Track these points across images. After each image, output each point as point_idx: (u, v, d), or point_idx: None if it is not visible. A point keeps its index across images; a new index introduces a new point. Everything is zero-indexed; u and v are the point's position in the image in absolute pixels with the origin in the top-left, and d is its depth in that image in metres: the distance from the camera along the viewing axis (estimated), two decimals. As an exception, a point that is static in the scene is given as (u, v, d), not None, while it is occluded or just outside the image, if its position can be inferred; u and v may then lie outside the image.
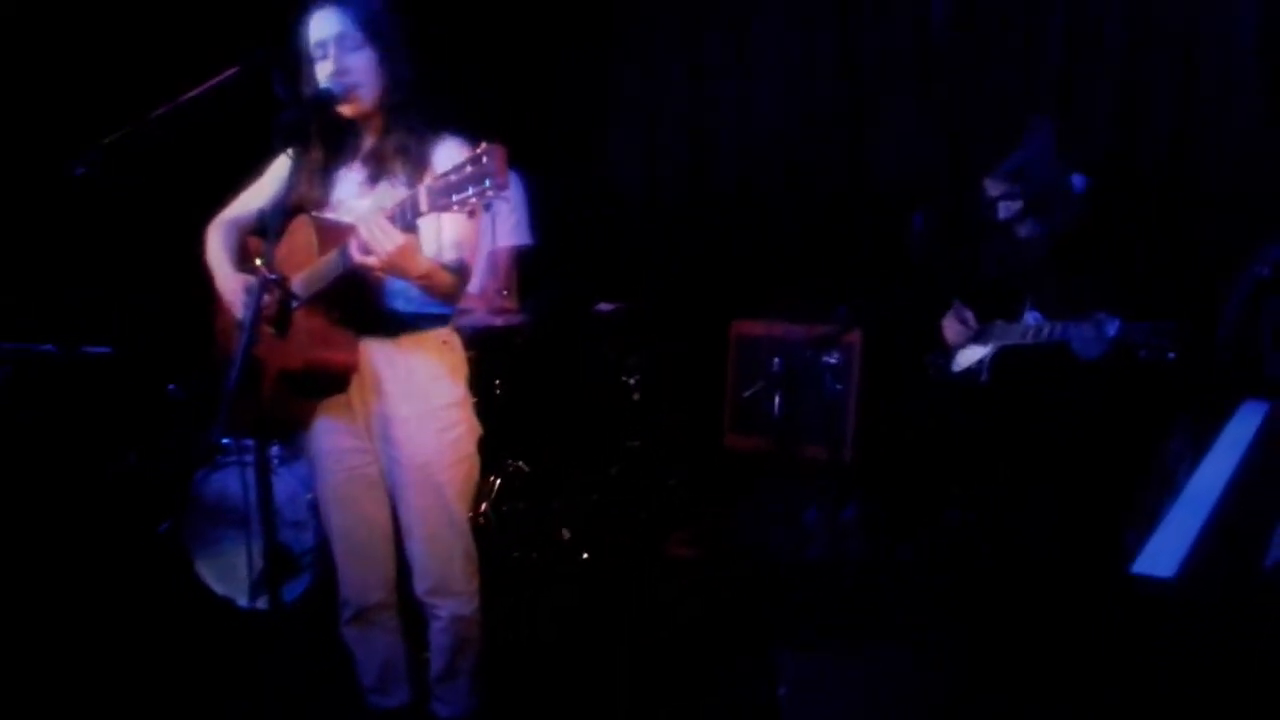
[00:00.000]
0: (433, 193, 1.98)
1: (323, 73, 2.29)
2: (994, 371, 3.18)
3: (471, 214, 1.99)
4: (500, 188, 1.91)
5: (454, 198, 1.94)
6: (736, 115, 4.64)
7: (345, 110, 2.31)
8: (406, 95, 2.33)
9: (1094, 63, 3.81)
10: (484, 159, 1.90)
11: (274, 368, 2.29)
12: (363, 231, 2.08)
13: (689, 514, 4.29)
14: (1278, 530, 1.73)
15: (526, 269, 3.96)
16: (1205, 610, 1.53)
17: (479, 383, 2.62)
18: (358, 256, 2.11)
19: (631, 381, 4.27)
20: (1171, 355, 2.69)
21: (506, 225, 3.79)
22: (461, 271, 2.32)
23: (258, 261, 2.04)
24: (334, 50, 2.27)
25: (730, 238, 4.64)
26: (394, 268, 2.15)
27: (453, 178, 1.95)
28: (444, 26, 2.53)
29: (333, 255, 2.18)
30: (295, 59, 2.34)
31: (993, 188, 3.14)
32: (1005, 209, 3.12)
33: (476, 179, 1.91)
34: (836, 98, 4.39)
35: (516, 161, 3.85)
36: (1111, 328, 2.78)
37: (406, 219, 2.06)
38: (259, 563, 2.32)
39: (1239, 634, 1.50)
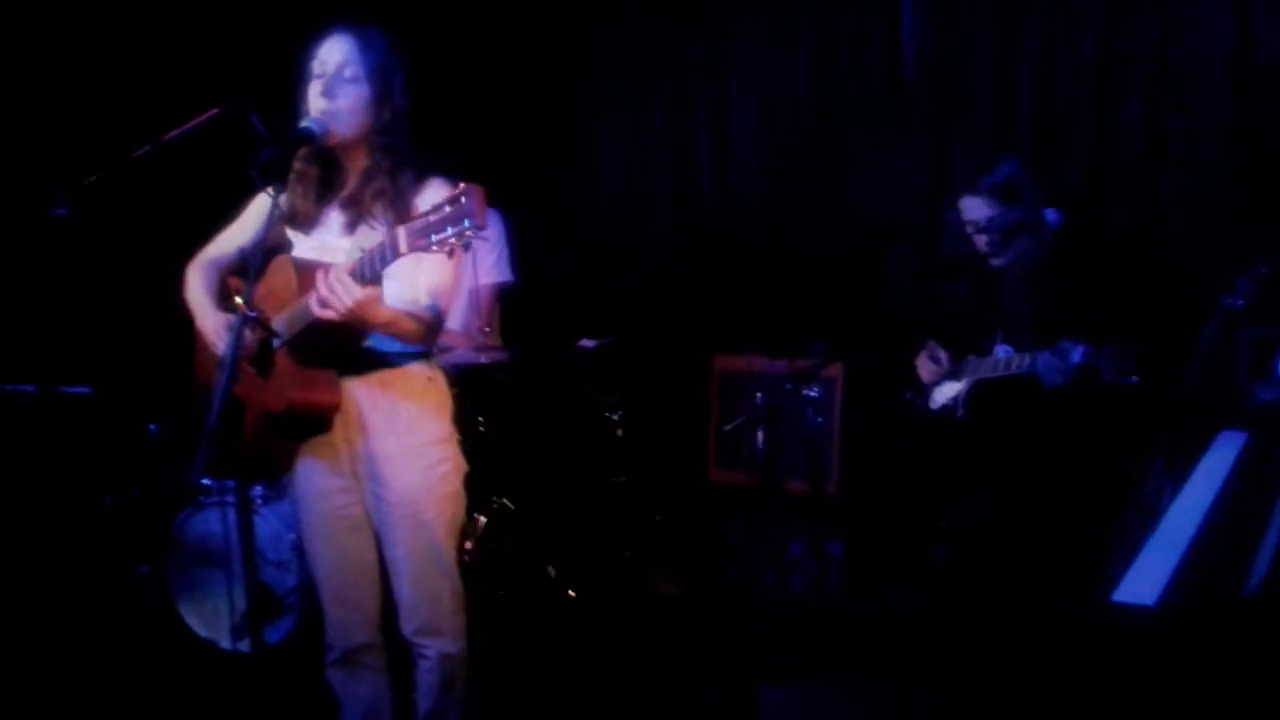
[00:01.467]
0: (412, 233, 1.99)
1: (314, 93, 2.30)
2: (969, 406, 3.20)
3: (450, 254, 1.99)
4: (479, 228, 1.92)
5: (433, 238, 1.95)
6: (715, 152, 4.68)
7: (328, 143, 2.32)
8: (393, 139, 2.34)
9: (1067, 97, 3.87)
10: (463, 199, 1.91)
11: (256, 408, 2.28)
12: (321, 287, 2.09)
13: (674, 550, 4.28)
14: (1257, 558, 1.74)
15: (508, 305, 3.97)
16: (1186, 638, 1.54)
17: (463, 420, 2.62)
18: (317, 311, 2.12)
19: (615, 417, 4.27)
20: (1134, 379, 2.70)
21: (488, 263, 3.80)
22: (433, 318, 2.32)
23: (238, 300, 2.04)
24: (331, 76, 2.29)
25: (711, 272, 4.67)
26: (354, 320, 2.15)
27: (432, 218, 1.95)
28: (430, 64, 2.55)
29: (305, 300, 2.19)
30: (297, 78, 2.34)
31: (972, 208, 3.14)
32: (980, 240, 3.14)
33: (455, 219, 1.92)
34: (813, 134, 4.44)
35: (496, 199, 3.88)
36: (1076, 354, 2.79)
37: (375, 268, 2.07)
38: (241, 604, 2.31)
39: (1220, 661, 1.51)
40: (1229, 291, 2.68)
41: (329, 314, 2.10)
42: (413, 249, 2.00)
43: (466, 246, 1.94)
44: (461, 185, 1.93)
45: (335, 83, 2.29)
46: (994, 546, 3.12)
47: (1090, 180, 3.84)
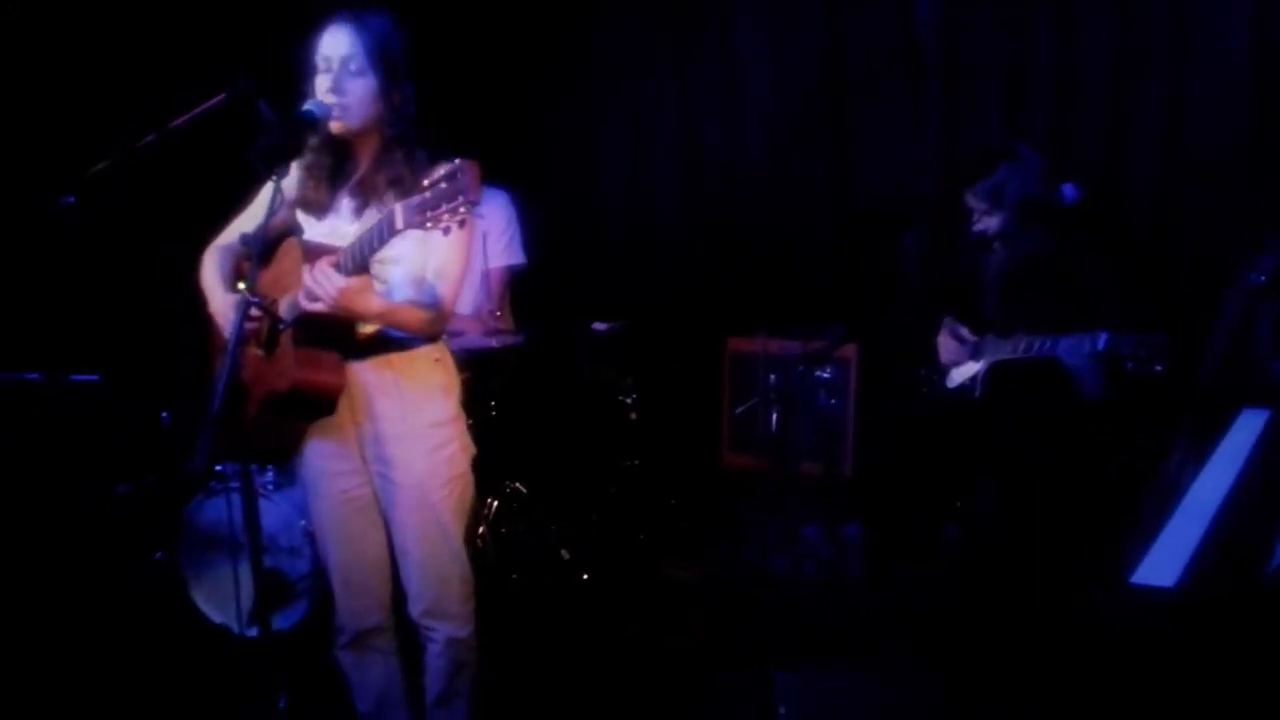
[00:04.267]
0: (408, 210, 1.97)
1: (321, 87, 2.27)
2: (987, 385, 3.18)
3: (446, 231, 1.97)
4: (473, 203, 1.90)
5: (429, 214, 1.93)
6: (726, 132, 4.65)
7: (335, 130, 2.30)
8: (404, 128, 2.31)
9: (1083, 71, 3.81)
10: (458, 175, 1.89)
11: (261, 390, 2.27)
12: (307, 280, 2.10)
13: (688, 533, 4.27)
14: (1279, 538, 1.71)
15: (520, 289, 3.95)
16: (1205, 618, 1.51)
17: (474, 404, 2.61)
18: (305, 305, 2.12)
19: (629, 401, 4.25)
20: (1159, 368, 2.70)
21: (499, 245, 3.78)
22: (437, 307, 2.31)
23: (240, 285, 2.03)
24: (336, 69, 2.26)
25: (724, 254, 4.64)
26: (344, 311, 2.15)
27: (428, 194, 1.94)
28: (435, 44, 2.52)
29: (299, 291, 2.17)
30: (303, 69, 2.32)
31: (971, 200, 3.19)
32: (982, 224, 3.17)
33: (450, 195, 1.90)
34: (824, 113, 4.40)
35: (508, 181, 3.87)
36: (1100, 340, 2.80)
37: (373, 245, 2.06)
38: (251, 589, 2.31)
39: (1240, 641, 1.48)
40: (1250, 267, 2.64)
41: (318, 307, 2.11)
42: (409, 225, 1.98)
43: (462, 224, 1.92)
44: (456, 160, 1.90)
45: (342, 77, 2.26)
46: (1011, 528, 3.10)
47: (1109, 157, 3.79)
